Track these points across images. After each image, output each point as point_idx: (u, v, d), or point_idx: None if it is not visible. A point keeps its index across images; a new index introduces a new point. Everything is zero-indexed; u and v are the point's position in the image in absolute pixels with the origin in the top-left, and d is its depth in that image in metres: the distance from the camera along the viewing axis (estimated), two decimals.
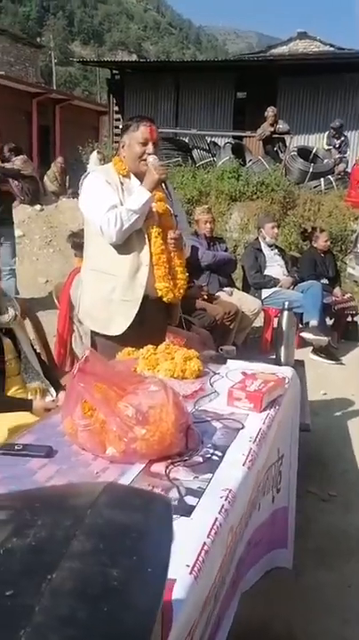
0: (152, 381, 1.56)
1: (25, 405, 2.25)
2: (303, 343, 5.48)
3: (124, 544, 0.53)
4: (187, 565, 1.08)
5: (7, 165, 5.88)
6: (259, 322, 5.69)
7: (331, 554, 2.57)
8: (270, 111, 10.65)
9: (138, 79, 14.66)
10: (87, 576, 0.48)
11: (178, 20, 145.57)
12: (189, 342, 2.87)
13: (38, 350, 2.88)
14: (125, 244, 2.58)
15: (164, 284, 2.66)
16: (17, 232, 8.31)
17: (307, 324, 5.53)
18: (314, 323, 5.51)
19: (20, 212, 9.50)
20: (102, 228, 2.52)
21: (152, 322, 2.65)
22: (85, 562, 0.49)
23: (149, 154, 2.58)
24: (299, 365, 3.50)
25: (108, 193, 2.56)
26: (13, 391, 2.35)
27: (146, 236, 2.61)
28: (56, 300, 3.28)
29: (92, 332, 2.79)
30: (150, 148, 2.59)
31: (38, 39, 48.99)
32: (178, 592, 1.02)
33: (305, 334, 5.50)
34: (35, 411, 2.21)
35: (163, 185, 2.61)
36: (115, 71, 15.21)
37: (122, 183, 2.62)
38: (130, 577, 0.49)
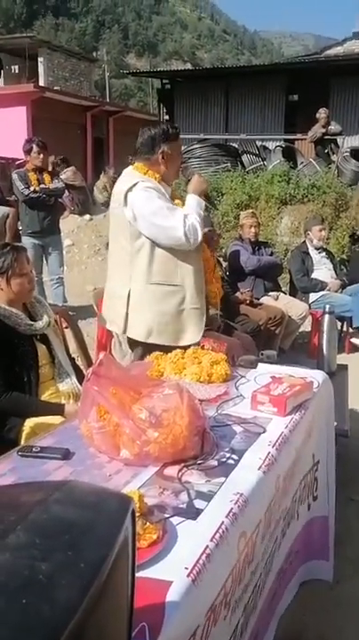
0: (168, 385, 1.56)
1: (58, 409, 2.30)
2: (354, 348, 5.35)
3: (62, 539, 0.54)
4: (186, 568, 1.08)
5: (52, 186, 5.90)
6: (308, 326, 5.59)
7: None
8: (322, 112, 10.48)
9: (187, 87, 14.78)
10: (13, 569, 0.50)
11: (232, 27, 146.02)
12: (231, 347, 2.85)
13: (77, 356, 2.94)
14: (183, 252, 2.57)
15: (217, 286, 2.70)
16: (66, 241, 8.56)
17: (357, 328, 5.40)
18: None
19: (70, 221, 9.75)
20: (187, 236, 2.50)
21: None
22: (16, 555, 0.51)
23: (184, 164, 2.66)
24: (341, 370, 3.43)
25: (169, 202, 2.59)
26: (47, 395, 2.40)
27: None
28: (95, 307, 3.33)
29: (144, 344, 2.62)
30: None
31: (94, 53, 50.23)
32: (173, 594, 1.02)
33: (354, 339, 5.37)
34: (67, 414, 2.25)
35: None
36: (165, 80, 15.41)
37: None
38: (59, 571, 0.50)
